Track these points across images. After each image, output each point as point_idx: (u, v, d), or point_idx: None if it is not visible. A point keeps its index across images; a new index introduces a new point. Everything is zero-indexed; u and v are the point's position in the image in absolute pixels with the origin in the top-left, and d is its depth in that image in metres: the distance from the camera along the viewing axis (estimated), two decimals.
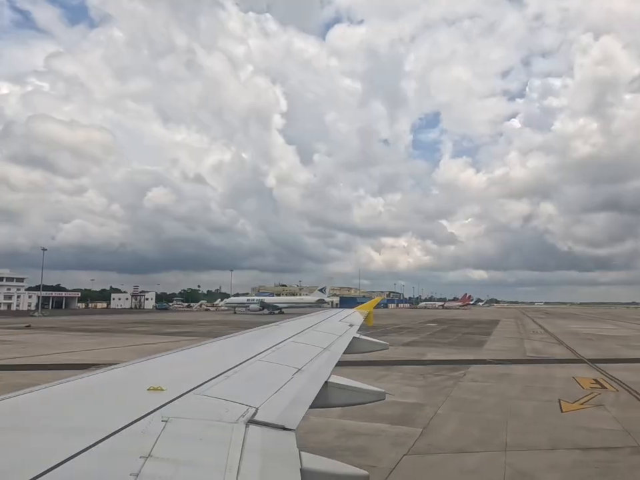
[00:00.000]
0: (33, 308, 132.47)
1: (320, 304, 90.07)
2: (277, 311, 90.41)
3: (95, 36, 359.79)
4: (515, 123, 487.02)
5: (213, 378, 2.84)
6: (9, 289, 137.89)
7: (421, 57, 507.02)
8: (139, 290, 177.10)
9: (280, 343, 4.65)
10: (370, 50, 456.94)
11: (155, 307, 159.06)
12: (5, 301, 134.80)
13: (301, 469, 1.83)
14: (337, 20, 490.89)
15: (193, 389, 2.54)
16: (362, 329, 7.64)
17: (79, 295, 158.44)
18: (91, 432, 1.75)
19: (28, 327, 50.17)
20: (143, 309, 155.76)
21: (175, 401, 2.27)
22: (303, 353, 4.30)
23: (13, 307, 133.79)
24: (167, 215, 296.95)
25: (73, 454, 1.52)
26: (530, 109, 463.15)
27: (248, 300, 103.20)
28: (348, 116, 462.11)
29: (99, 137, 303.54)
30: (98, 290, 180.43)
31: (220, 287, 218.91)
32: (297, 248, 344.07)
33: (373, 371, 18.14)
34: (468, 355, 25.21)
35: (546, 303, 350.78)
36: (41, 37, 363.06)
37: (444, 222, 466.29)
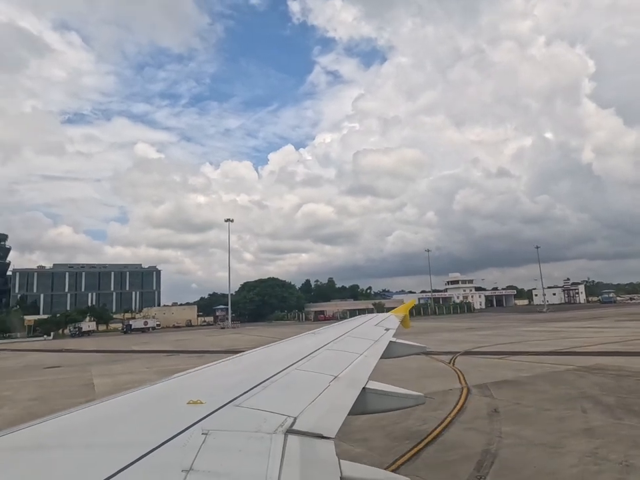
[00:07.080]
0: (483, 307, 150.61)
1: None
2: None
3: (384, 70, 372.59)
4: None
5: (251, 389, 2.86)
6: (464, 290, 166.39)
7: None
8: (570, 283, 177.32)
9: (316, 350, 4.65)
10: None
11: (600, 300, 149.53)
12: (465, 301, 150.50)
13: (340, 478, 1.82)
14: None
15: (232, 400, 2.56)
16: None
17: (515, 293, 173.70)
18: (134, 447, 1.80)
19: None
20: (578, 303, 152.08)
21: (215, 414, 2.30)
22: (340, 360, 4.28)
23: (474, 306, 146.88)
24: (475, 214, 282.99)
25: (117, 469, 1.56)
26: None
27: None
28: None
29: (409, 155, 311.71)
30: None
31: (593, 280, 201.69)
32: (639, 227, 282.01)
33: None
34: None
35: None
36: (346, 87, 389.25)
37: None
